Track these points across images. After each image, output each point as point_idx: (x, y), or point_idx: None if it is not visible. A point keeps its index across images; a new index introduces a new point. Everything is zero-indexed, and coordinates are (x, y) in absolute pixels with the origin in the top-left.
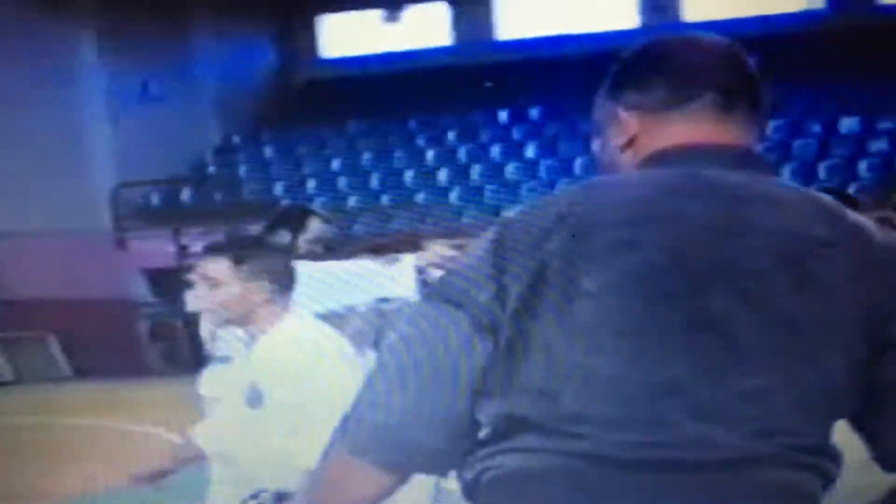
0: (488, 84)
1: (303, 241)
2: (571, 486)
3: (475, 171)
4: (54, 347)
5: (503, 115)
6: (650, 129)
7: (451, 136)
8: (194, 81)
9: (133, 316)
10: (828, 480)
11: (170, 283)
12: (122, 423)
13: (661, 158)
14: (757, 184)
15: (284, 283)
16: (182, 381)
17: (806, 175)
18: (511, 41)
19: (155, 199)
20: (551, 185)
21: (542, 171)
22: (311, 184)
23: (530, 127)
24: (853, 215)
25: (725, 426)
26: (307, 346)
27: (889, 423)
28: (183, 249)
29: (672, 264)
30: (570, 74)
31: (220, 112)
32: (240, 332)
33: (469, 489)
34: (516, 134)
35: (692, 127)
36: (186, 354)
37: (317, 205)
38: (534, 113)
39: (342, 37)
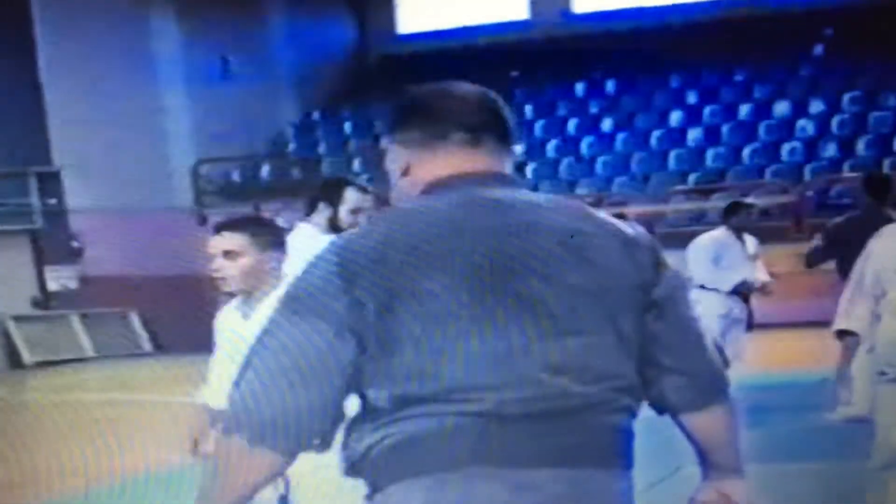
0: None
1: (343, 211)
2: (468, 437)
3: (551, 145)
4: (135, 323)
5: (579, 88)
6: (419, 161)
7: (527, 109)
8: (273, 58)
9: (213, 292)
10: (635, 417)
11: None
12: (200, 398)
13: (440, 185)
14: (523, 195)
15: (284, 253)
16: None
17: (881, 148)
18: (587, 14)
19: (235, 175)
20: (626, 158)
21: (618, 145)
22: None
23: (606, 100)
24: (603, 214)
25: (570, 377)
26: None
27: (653, 367)
28: None
29: (487, 262)
30: (646, 47)
31: (298, 88)
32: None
33: (359, 460)
34: (592, 107)
35: (450, 159)
36: None
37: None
38: (610, 86)
39: (419, 11)
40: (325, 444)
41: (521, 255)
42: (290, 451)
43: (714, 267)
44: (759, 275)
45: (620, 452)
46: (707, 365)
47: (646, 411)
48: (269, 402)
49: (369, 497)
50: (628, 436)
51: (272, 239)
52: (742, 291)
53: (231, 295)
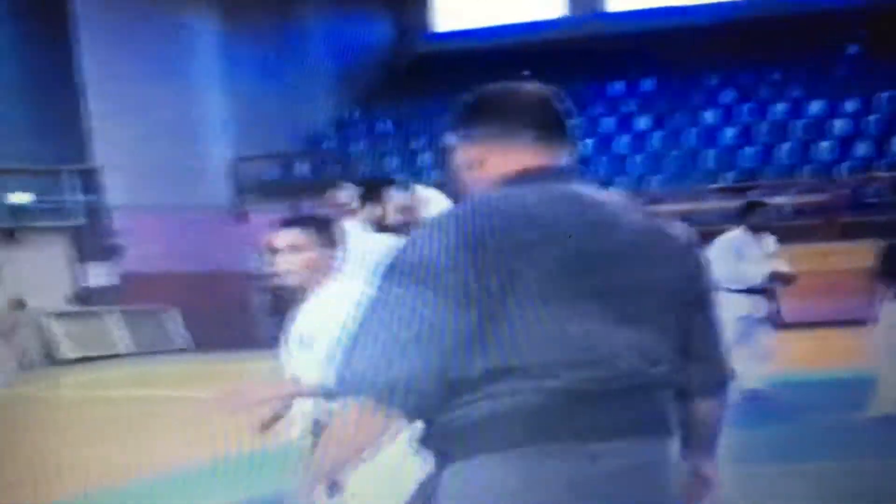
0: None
1: (390, 209)
2: (546, 415)
3: (587, 144)
4: (172, 320)
5: (615, 87)
6: (492, 156)
7: None
8: (310, 56)
9: (251, 288)
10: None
11: None
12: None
13: (517, 179)
14: (593, 192)
15: (344, 250)
16: None
17: None
18: (622, 12)
19: (272, 173)
20: (661, 157)
21: (654, 144)
22: (423, 158)
23: (641, 99)
24: (655, 215)
25: (635, 359)
26: (345, 301)
27: (684, 354)
28: None
29: (572, 253)
30: (681, 46)
31: (335, 86)
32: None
33: (437, 432)
34: (628, 106)
35: (522, 154)
36: None
37: (429, 180)
38: (645, 85)
39: (455, 11)
40: (435, 411)
41: (601, 248)
42: (413, 411)
43: (733, 266)
44: (781, 266)
45: (672, 424)
46: (726, 356)
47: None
48: (392, 365)
49: (437, 469)
50: (673, 410)
51: (333, 236)
52: (766, 289)
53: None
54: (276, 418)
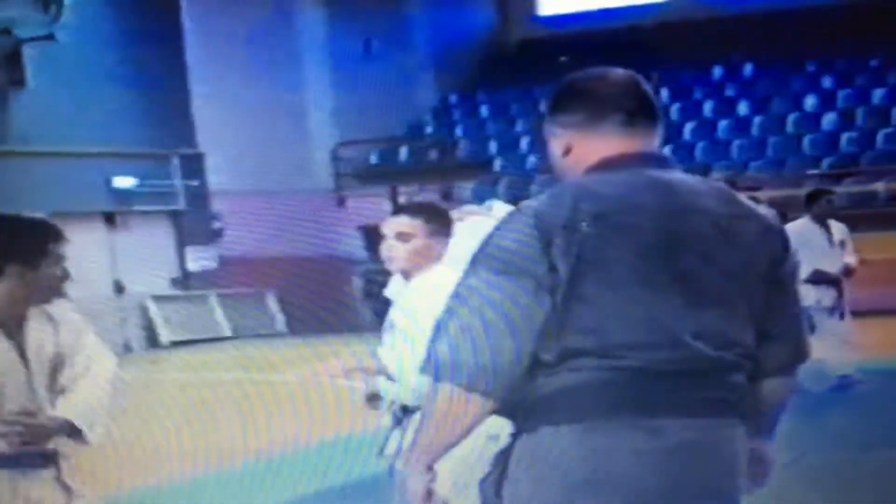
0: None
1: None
2: (619, 391)
3: (687, 128)
4: (271, 304)
5: (716, 72)
6: (580, 142)
7: (664, 93)
8: (413, 40)
9: (348, 273)
10: (753, 371)
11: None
12: (335, 378)
13: (606, 164)
14: (679, 177)
15: (449, 239)
16: None
17: None
18: None
19: (373, 157)
20: (762, 142)
21: (754, 129)
22: (524, 142)
23: (743, 84)
24: (743, 196)
25: (707, 342)
26: (441, 290)
27: (761, 334)
28: (399, 208)
29: (655, 238)
30: (783, 30)
31: (437, 71)
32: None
33: (517, 403)
34: (729, 91)
35: (610, 140)
36: None
37: (530, 164)
38: (747, 69)
39: None
40: (515, 391)
41: (682, 234)
42: (499, 395)
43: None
44: (846, 258)
45: (740, 406)
46: (804, 337)
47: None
48: (480, 350)
49: (514, 435)
50: (744, 392)
51: (442, 226)
52: (833, 279)
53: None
54: (375, 396)
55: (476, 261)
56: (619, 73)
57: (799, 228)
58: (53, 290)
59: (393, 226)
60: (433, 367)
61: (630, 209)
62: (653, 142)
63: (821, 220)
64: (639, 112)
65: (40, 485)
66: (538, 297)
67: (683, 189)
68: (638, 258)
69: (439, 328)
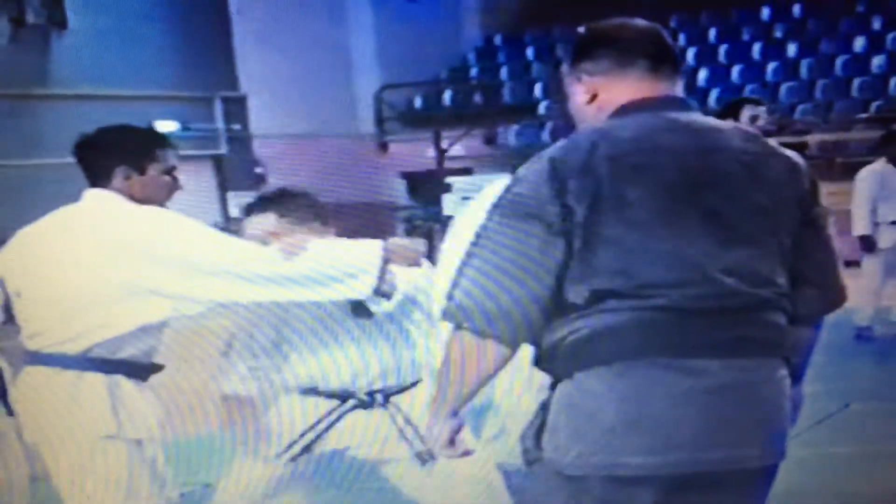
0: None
1: None
2: (651, 330)
3: (735, 70)
4: None
5: (765, 13)
6: (607, 88)
7: (711, 34)
8: None
9: (391, 218)
10: (789, 318)
11: (427, 186)
12: None
13: (629, 109)
14: (701, 118)
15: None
16: None
17: None
18: None
19: (417, 101)
20: (810, 85)
21: (803, 71)
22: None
23: (791, 24)
24: (764, 137)
25: (741, 280)
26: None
27: (794, 278)
28: (443, 153)
29: (679, 177)
30: None
31: (481, 12)
32: None
33: (551, 351)
34: (777, 31)
35: (634, 85)
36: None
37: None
38: (795, 10)
39: None
40: (537, 336)
41: (707, 173)
42: (513, 341)
43: (877, 199)
44: None
45: (780, 346)
46: (839, 283)
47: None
48: (492, 296)
49: (553, 387)
50: (785, 332)
51: (304, 212)
52: None
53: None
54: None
55: (493, 207)
56: (641, 22)
57: (879, 169)
58: (160, 196)
59: (253, 227)
60: (450, 313)
61: (649, 149)
62: (675, 88)
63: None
64: (663, 58)
65: None
66: (550, 241)
67: (705, 128)
68: (661, 197)
69: (456, 273)
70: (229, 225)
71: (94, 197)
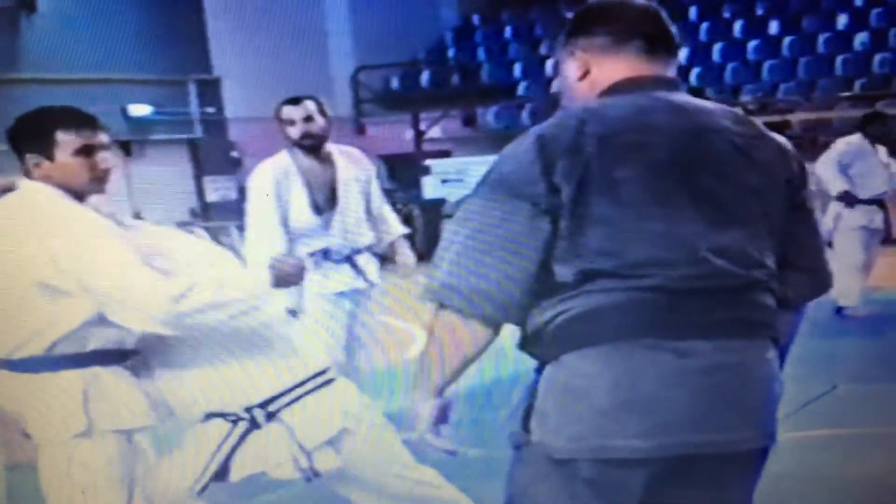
0: None
1: None
2: (641, 310)
3: (716, 48)
4: None
5: None
6: (599, 65)
7: (692, 12)
8: None
9: None
10: (776, 298)
11: (406, 168)
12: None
13: (621, 87)
14: (692, 100)
15: None
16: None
17: None
18: None
19: (394, 83)
20: (792, 63)
21: (785, 49)
22: (549, 65)
23: (773, 1)
24: (755, 121)
25: (730, 260)
26: None
27: (782, 263)
28: (421, 135)
29: (670, 157)
30: None
31: None
32: None
33: (537, 332)
34: (759, 8)
35: (628, 64)
36: (421, 240)
37: (555, 88)
38: None
39: None
40: (521, 317)
41: (699, 153)
42: (497, 321)
43: (844, 174)
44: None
45: (770, 326)
46: (827, 266)
47: (799, 339)
48: (476, 275)
49: (538, 370)
50: (775, 314)
51: None
52: (880, 202)
53: None
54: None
55: (479, 185)
56: (641, 1)
57: (855, 141)
58: (82, 180)
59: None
60: (432, 291)
61: (639, 129)
62: (668, 70)
63: (873, 141)
64: (658, 39)
65: None
66: (535, 220)
67: (696, 109)
68: (651, 177)
69: (439, 252)
70: (207, 210)
71: (24, 189)
